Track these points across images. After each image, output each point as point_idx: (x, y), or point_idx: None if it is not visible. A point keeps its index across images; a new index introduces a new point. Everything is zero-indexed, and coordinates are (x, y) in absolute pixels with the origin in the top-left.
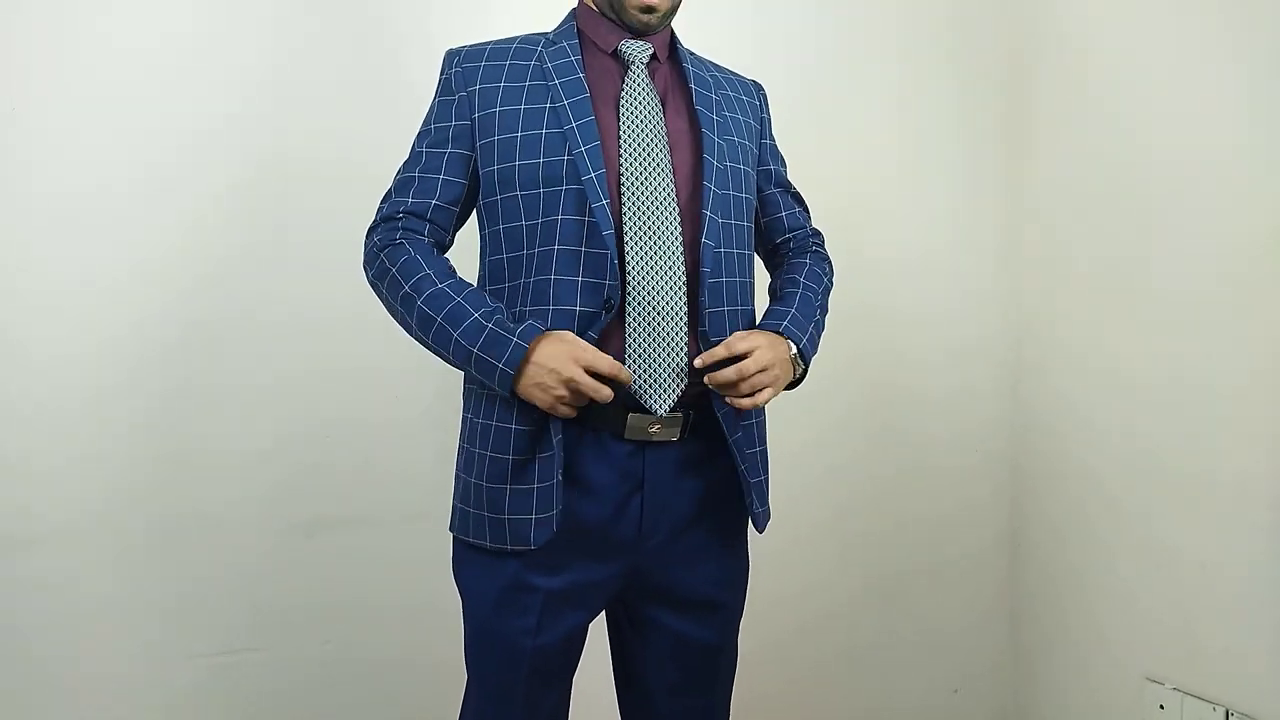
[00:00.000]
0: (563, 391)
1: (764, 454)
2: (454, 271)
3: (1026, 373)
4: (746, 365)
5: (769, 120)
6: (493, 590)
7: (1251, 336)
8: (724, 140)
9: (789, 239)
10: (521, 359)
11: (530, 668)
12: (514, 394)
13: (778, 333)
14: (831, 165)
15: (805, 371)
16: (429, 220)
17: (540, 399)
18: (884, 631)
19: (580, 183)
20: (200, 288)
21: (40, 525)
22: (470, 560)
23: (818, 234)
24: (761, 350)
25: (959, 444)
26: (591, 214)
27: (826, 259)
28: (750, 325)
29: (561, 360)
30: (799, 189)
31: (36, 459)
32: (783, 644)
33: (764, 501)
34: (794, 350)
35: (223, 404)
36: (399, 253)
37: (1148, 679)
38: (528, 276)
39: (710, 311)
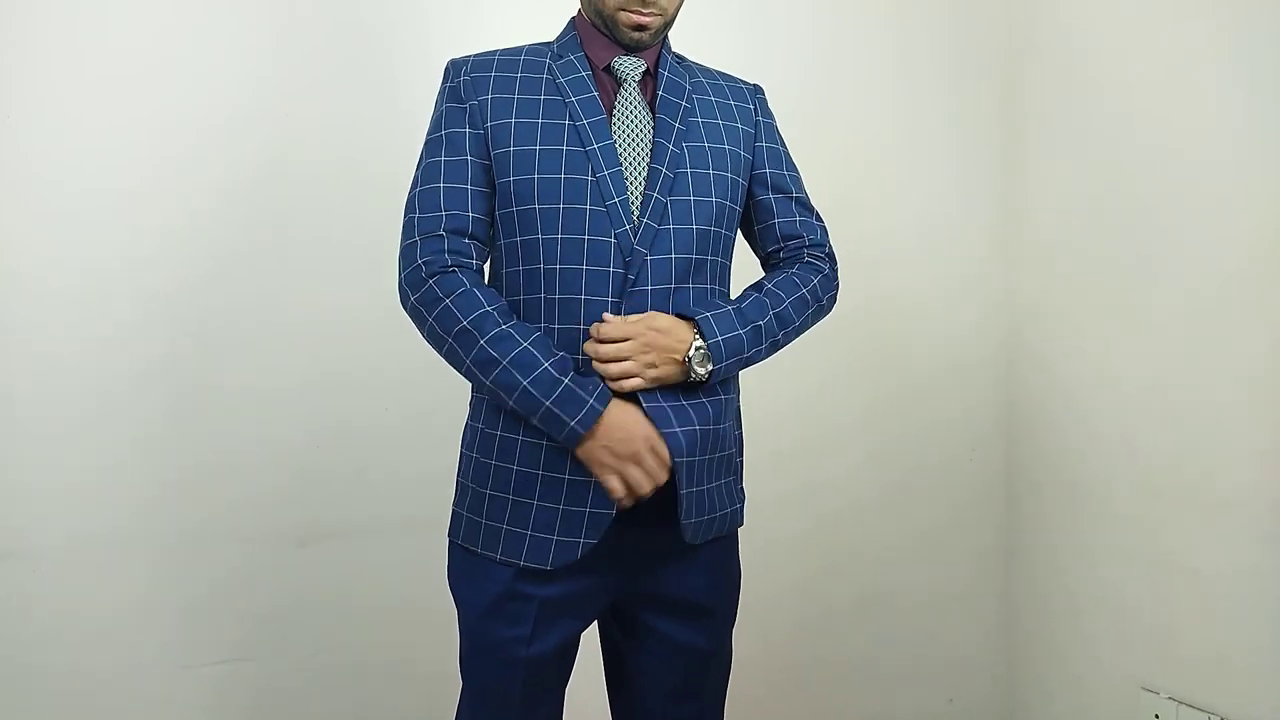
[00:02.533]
0: (632, 470)
1: (725, 460)
2: (511, 310)
3: (1020, 378)
4: (601, 349)
5: (766, 124)
6: (486, 599)
7: (1249, 339)
8: (683, 147)
9: (781, 248)
10: (595, 422)
11: (524, 676)
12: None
13: (690, 319)
14: (826, 158)
15: (714, 371)
16: (471, 237)
17: (606, 464)
18: (878, 640)
19: (605, 206)
20: (195, 295)
21: (33, 536)
22: (465, 568)
23: (818, 245)
24: (632, 343)
25: (953, 451)
26: (617, 237)
27: (820, 271)
28: None
29: (639, 440)
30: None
31: (31, 470)
32: (775, 652)
33: (700, 512)
34: (697, 344)
35: (215, 412)
36: (452, 282)
37: (1142, 688)
38: (551, 293)
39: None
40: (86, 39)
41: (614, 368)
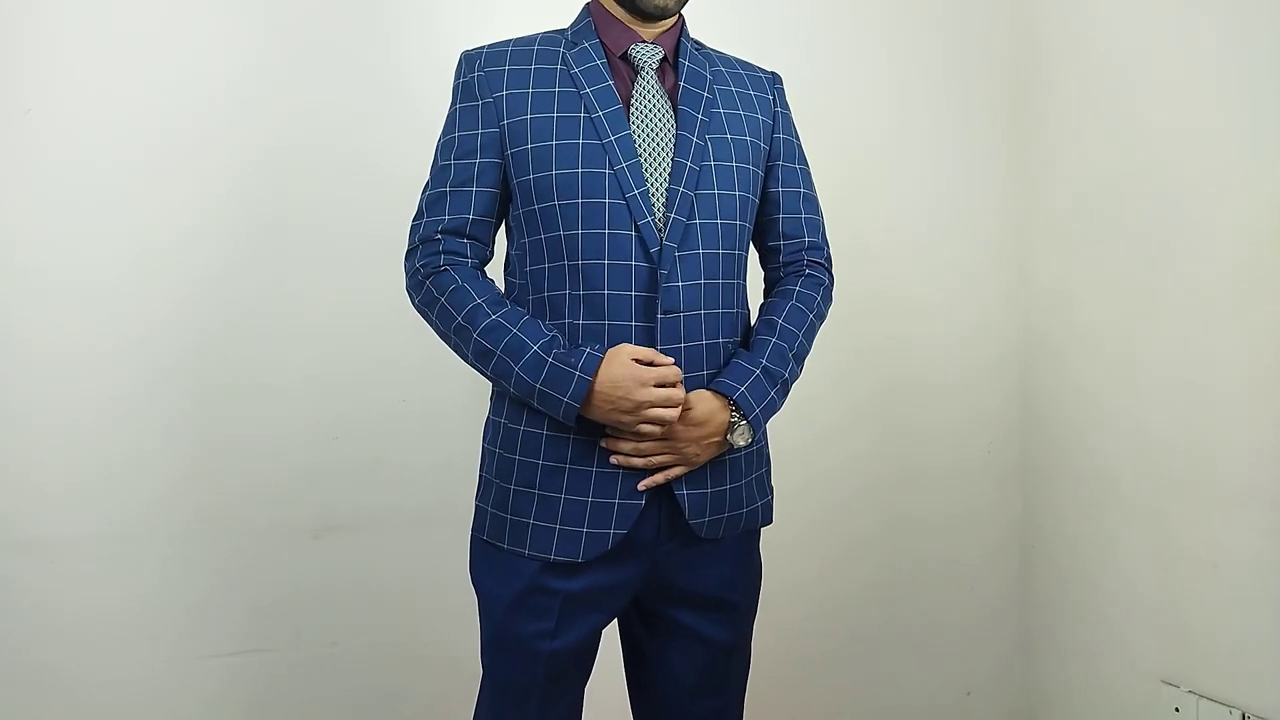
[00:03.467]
0: (643, 414)
1: (755, 455)
2: (504, 298)
3: (1035, 369)
4: (643, 453)
5: (783, 115)
6: (511, 593)
7: (1267, 330)
8: (706, 139)
9: (780, 245)
10: (586, 392)
11: (547, 670)
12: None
13: (730, 399)
14: (836, 148)
15: (757, 433)
16: (468, 237)
17: (623, 421)
18: (895, 633)
19: (625, 199)
20: (209, 288)
21: (46, 528)
22: (489, 562)
23: (817, 249)
24: (670, 444)
25: (967, 442)
26: (639, 230)
27: (820, 283)
28: (734, 329)
29: (629, 386)
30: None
31: (43, 463)
32: (792, 644)
33: (717, 510)
34: (735, 419)
35: (229, 405)
36: (445, 280)
37: (1162, 681)
38: (575, 289)
39: (667, 316)
40: (96, 35)
41: (656, 460)
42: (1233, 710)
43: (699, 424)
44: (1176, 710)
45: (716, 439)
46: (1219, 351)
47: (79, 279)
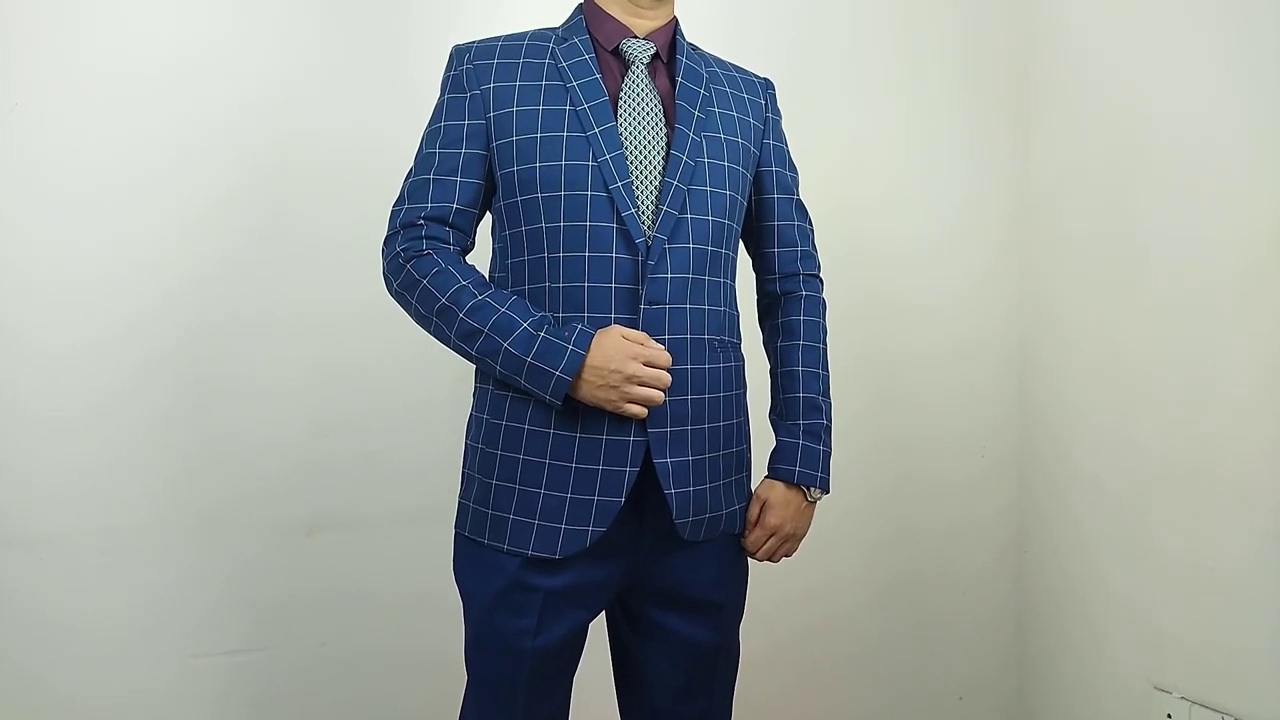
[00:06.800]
0: (630, 390)
1: (735, 457)
2: (488, 281)
3: (1032, 376)
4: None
5: (775, 121)
6: (492, 590)
7: (1259, 336)
8: (702, 136)
9: (776, 253)
10: (579, 365)
11: (530, 668)
12: (565, 399)
13: (792, 483)
14: (833, 158)
15: (828, 484)
16: (451, 225)
17: (607, 399)
18: (889, 638)
19: (608, 191)
20: (201, 286)
21: (39, 525)
22: (471, 559)
23: (809, 256)
24: (772, 541)
25: (964, 448)
26: (622, 222)
27: (819, 302)
28: (720, 327)
29: (621, 359)
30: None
31: (35, 459)
32: (786, 649)
33: (699, 511)
34: (808, 495)
35: (222, 403)
36: (428, 264)
37: (1155, 687)
38: (555, 281)
39: (651, 307)
40: (86, 31)
41: (779, 554)
42: (1225, 717)
43: (792, 517)
44: (1169, 716)
45: (810, 513)
46: (1214, 358)
47: (70, 276)
